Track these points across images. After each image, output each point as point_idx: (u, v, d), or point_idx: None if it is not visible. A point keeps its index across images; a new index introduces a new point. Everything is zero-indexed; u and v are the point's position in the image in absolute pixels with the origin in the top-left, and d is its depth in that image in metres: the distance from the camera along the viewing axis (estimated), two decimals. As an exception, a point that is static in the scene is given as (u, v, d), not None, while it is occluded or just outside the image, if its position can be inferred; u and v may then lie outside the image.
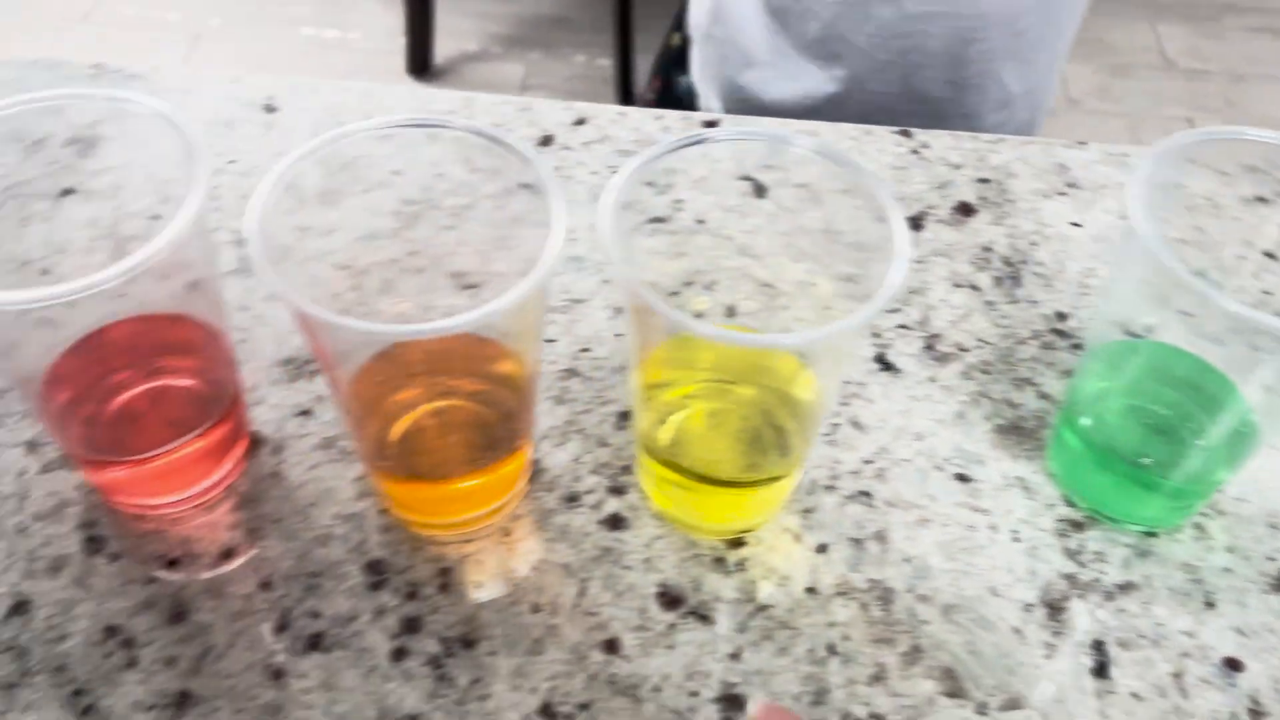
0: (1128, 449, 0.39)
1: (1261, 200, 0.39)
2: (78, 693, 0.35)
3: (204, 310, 0.37)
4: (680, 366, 0.39)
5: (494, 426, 0.39)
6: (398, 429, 0.39)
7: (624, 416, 0.43)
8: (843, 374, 0.44)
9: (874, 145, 0.54)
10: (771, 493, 0.39)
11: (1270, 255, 0.41)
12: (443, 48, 1.77)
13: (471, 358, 0.39)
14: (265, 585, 0.37)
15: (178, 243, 0.31)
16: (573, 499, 0.40)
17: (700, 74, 0.80)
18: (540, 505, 0.40)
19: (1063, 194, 0.51)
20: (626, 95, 1.70)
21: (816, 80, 0.74)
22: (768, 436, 0.39)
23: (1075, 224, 0.50)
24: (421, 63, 1.72)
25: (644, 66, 1.74)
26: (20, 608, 0.36)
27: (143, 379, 0.39)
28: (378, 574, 0.38)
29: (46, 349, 0.36)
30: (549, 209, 0.32)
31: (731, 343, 0.31)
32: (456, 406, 0.40)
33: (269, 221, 0.32)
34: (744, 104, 0.77)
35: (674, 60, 0.88)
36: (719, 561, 0.39)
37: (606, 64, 1.79)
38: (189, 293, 0.36)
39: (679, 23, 0.89)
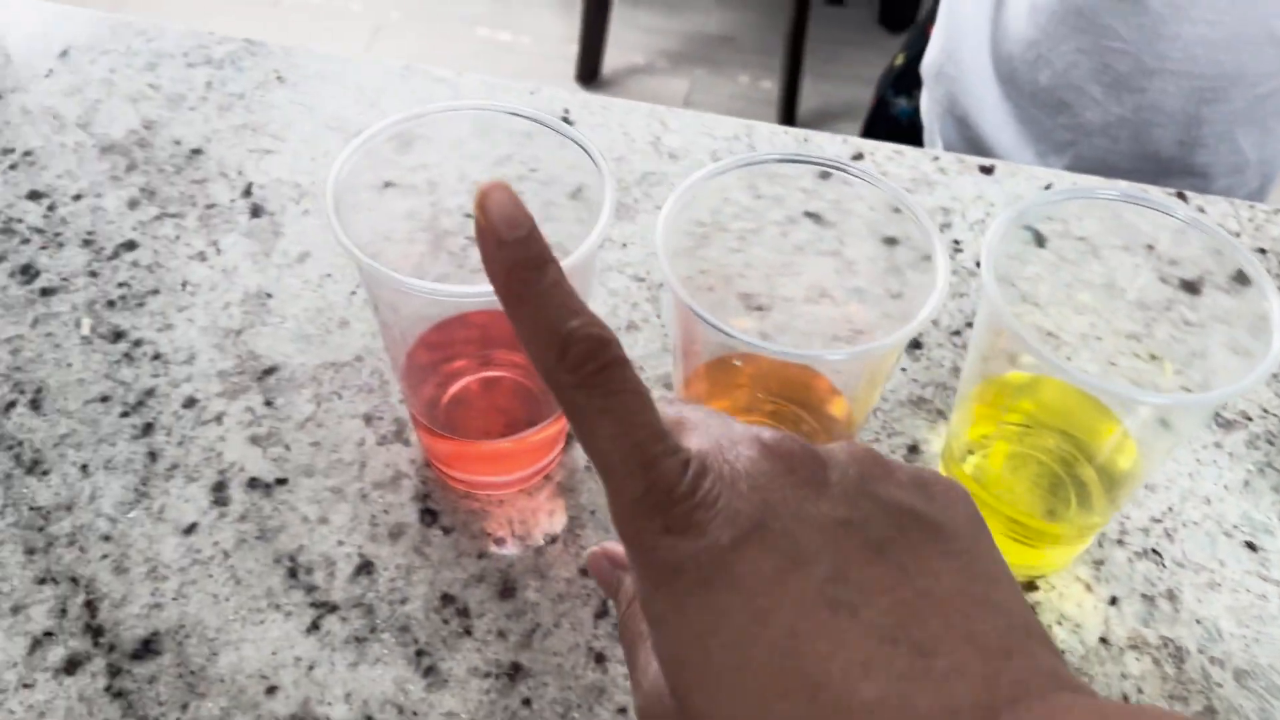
0: None
1: None
2: (420, 653, 0.38)
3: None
4: (994, 406, 0.41)
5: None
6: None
7: (912, 450, 0.44)
8: (1167, 457, 0.44)
9: (1149, 205, 0.54)
10: (1073, 543, 0.40)
11: None
12: (610, 59, 1.81)
13: (805, 388, 0.41)
14: (585, 571, 0.40)
15: (590, 251, 0.34)
16: (865, 524, 0.42)
17: (929, 111, 0.81)
18: (834, 526, 0.42)
19: (1344, 271, 0.51)
20: (789, 118, 1.71)
21: (1043, 128, 0.75)
22: (1068, 486, 0.40)
23: (1358, 303, 0.50)
24: (591, 71, 1.76)
25: (808, 90, 1.75)
26: (366, 568, 0.40)
27: (480, 367, 0.42)
28: (688, 574, 0.40)
29: (420, 320, 0.39)
30: (935, 267, 0.34)
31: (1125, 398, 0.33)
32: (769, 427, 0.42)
33: (667, 238, 0.35)
34: (968, 145, 0.78)
35: (893, 80, 0.89)
36: (1010, 601, 0.40)
37: (769, 86, 1.81)
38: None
39: (908, 43, 0.89)
